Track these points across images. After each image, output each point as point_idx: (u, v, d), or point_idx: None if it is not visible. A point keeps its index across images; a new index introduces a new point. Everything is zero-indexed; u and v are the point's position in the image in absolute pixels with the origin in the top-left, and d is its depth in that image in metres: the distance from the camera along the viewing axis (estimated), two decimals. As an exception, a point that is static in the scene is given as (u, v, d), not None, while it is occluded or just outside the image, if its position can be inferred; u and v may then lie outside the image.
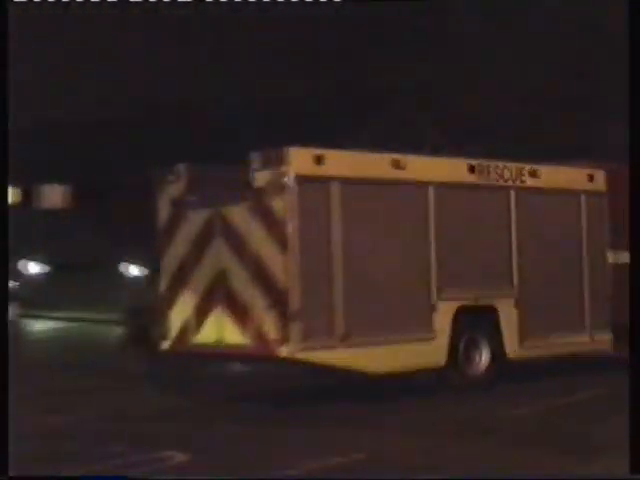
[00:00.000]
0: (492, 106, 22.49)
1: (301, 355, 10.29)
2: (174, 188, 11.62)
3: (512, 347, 12.15)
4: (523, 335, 12.27)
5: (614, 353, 12.65)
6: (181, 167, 11.58)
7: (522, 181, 12.43)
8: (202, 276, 11.26)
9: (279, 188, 10.36)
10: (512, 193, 12.30)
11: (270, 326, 10.39)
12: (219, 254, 11.07)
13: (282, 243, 10.33)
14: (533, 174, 12.58)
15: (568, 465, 7.37)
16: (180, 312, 11.56)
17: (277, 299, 10.33)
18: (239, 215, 10.83)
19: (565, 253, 12.91)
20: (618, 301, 12.36)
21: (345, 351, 10.59)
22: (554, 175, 13.00)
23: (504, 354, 12.13)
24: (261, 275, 10.53)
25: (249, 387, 12.78)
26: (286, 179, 10.33)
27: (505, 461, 7.57)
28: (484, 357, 11.96)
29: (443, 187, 11.54)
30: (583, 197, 13.09)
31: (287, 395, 11.90)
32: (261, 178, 10.54)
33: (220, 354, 11.27)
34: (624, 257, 11.71)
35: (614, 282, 12.99)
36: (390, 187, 11.16)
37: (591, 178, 13.20)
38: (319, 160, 10.59)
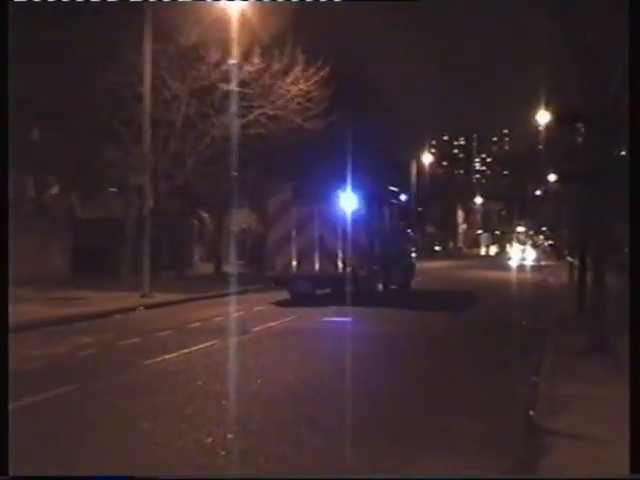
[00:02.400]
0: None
1: (355, 273, 23.27)
2: (284, 195, 23.74)
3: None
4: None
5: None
6: (289, 184, 23.83)
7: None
8: (305, 237, 23.50)
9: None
10: None
11: (343, 262, 23.20)
12: (317, 228, 23.44)
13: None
14: None
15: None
16: (285, 255, 23.68)
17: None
18: (330, 211, 23.34)
19: None
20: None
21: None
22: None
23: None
24: (342, 239, 23.23)
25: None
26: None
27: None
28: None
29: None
30: None
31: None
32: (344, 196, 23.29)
33: (316, 276, 23.61)
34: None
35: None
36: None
37: None
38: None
